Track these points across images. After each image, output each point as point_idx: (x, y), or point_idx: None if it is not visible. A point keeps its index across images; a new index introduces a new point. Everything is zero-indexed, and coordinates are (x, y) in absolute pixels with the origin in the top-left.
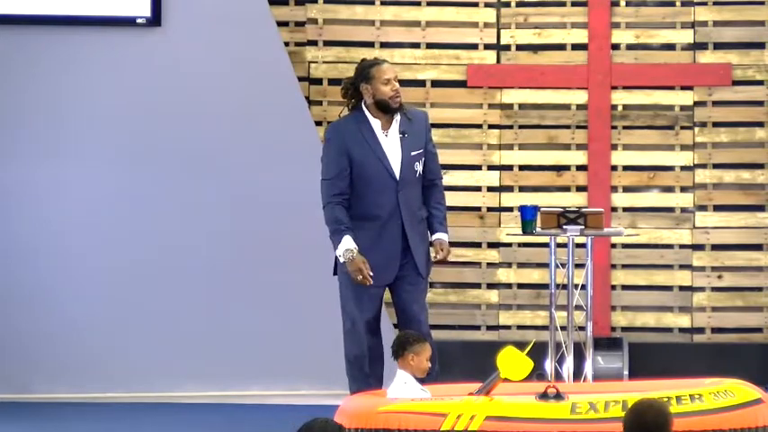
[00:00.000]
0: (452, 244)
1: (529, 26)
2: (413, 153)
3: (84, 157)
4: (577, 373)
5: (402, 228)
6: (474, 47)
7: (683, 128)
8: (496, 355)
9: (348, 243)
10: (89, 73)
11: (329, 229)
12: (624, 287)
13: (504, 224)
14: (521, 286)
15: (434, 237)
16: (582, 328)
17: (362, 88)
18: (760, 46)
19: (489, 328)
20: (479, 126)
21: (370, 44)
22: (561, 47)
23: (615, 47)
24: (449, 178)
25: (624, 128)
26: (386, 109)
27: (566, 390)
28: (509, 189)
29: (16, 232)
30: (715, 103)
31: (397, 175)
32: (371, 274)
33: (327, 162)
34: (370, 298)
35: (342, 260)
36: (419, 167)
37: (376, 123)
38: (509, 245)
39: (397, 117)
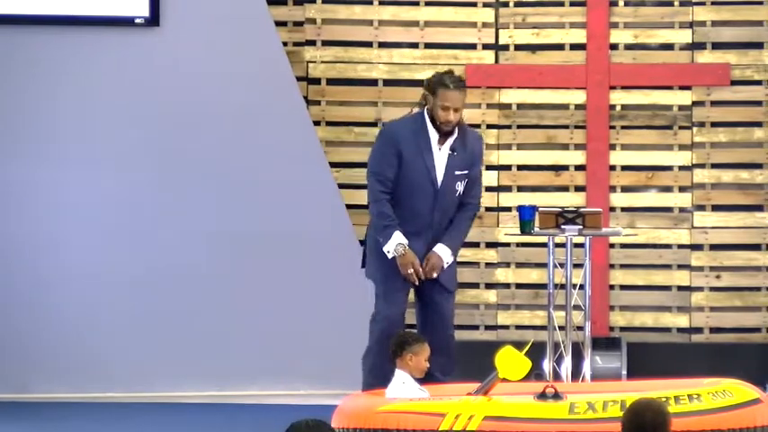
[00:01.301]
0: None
1: (527, 26)
2: (456, 172)
3: (83, 156)
4: (576, 373)
5: (431, 238)
6: (472, 47)
7: (681, 128)
8: (495, 355)
9: (399, 238)
10: (88, 73)
11: (377, 223)
12: (622, 287)
13: (503, 224)
14: (519, 286)
15: (435, 247)
16: (580, 328)
17: (427, 97)
18: (758, 46)
19: (488, 327)
20: (478, 126)
21: (369, 44)
22: (560, 47)
23: (614, 47)
24: None
25: (623, 128)
26: (437, 128)
27: (564, 390)
28: (507, 189)
29: (16, 232)
30: (713, 103)
31: (439, 186)
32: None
33: (379, 158)
34: (396, 294)
35: (392, 255)
36: (460, 187)
37: (434, 134)
38: (507, 245)
39: (454, 135)
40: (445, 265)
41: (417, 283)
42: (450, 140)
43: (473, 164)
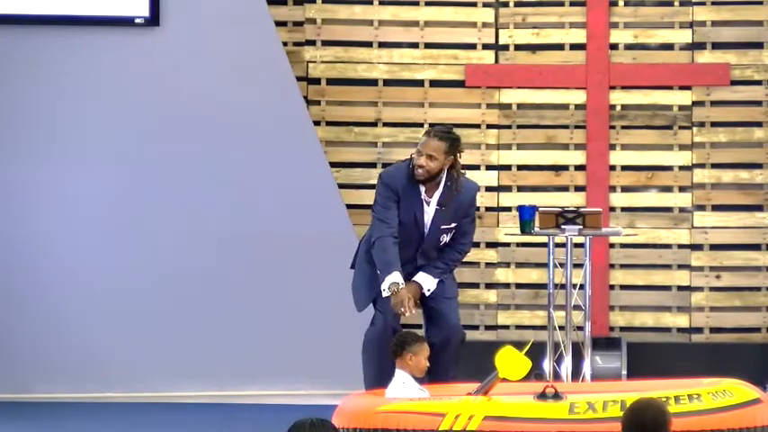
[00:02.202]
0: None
1: (527, 26)
2: (443, 226)
3: (83, 156)
4: (576, 373)
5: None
6: (472, 47)
7: (681, 128)
8: (495, 355)
9: (396, 278)
10: (88, 73)
11: (380, 260)
12: (622, 287)
13: (503, 224)
14: (519, 286)
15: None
16: (580, 328)
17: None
18: (758, 46)
19: (488, 327)
20: (477, 126)
21: (369, 44)
22: (559, 47)
23: (613, 47)
24: None
25: (622, 128)
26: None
27: (564, 389)
28: (507, 189)
29: (15, 232)
30: (713, 103)
31: (425, 232)
32: (410, 308)
33: (382, 203)
34: (385, 303)
35: (386, 293)
36: (445, 239)
37: (421, 187)
38: (507, 245)
39: (441, 187)
40: (426, 292)
41: (408, 314)
42: (437, 194)
43: (464, 216)
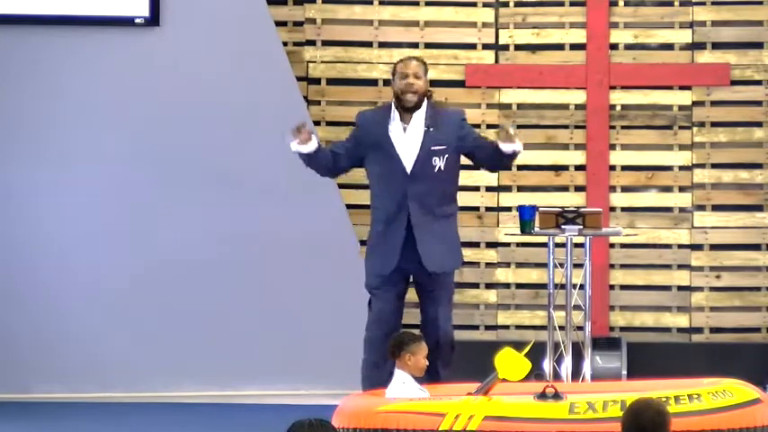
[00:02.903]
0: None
1: (527, 26)
2: (433, 147)
3: (83, 156)
4: (576, 373)
5: (408, 223)
6: (472, 47)
7: (681, 128)
8: (495, 356)
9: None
10: (88, 73)
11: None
12: (623, 287)
13: (503, 224)
14: (519, 286)
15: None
16: (580, 328)
17: (392, 83)
18: (758, 46)
19: (488, 327)
20: (478, 126)
21: (369, 44)
22: (560, 47)
23: (613, 47)
24: None
25: (622, 128)
26: (403, 104)
27: (564, 389)
28: (507, 189)
29: (15, 233)
30: (713, 103)
31: (409, 169)
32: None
33: (349, 136)
34: (383, 289)
35: (294, 139)
36: (439, 163)
37: (396, 117)
38: (507, 245)
39: (422, 112)
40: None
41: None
42: (420, 117)
43: (460, 136)
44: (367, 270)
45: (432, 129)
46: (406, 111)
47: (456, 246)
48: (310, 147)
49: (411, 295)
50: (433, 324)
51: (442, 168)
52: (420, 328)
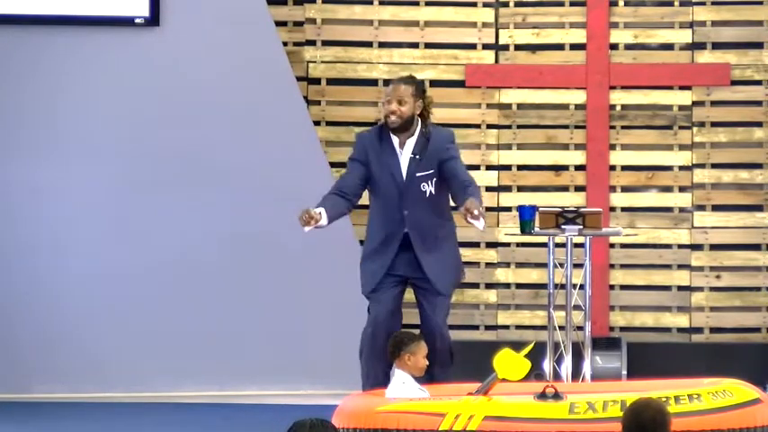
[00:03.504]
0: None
1: (527, 26)
2: (418, 174)
3: (82, 156)
4: (576, 373)
5: (403, 241)
6: (472, 47)
7: (681, 128)
8: (495, 356)
9: (319, 209)
10: (88, 73)
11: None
12: (623, 287)
13: (503, 224)
14: (519, 286)
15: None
16: (580, 328)
17: None
18: (758, 46)
19: (488, 327)
20: (478, 126)
21: (369, 44)
22: (560, 47)
23: (613, 47)
24: None
25: (622, 128)
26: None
27: (564, 389)
28: (507, 189)
29: (15, 232)
30: (713, 103)
31: (402, 194)
32: (311, 217)
33: (348, 165)
34: (381, 295)
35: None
36: (428, 188)
37: (394, 140)
38: (507, 245)
39: (415, 136)
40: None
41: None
42: (411, 143)
43: (441, 160)
44: (362, 276)
45: (418, 156)
46: (401, 134)
47: (457, 264)
48: (322, 222)
49: (411, 295)
50: (431, 329)
51: (434, 192)
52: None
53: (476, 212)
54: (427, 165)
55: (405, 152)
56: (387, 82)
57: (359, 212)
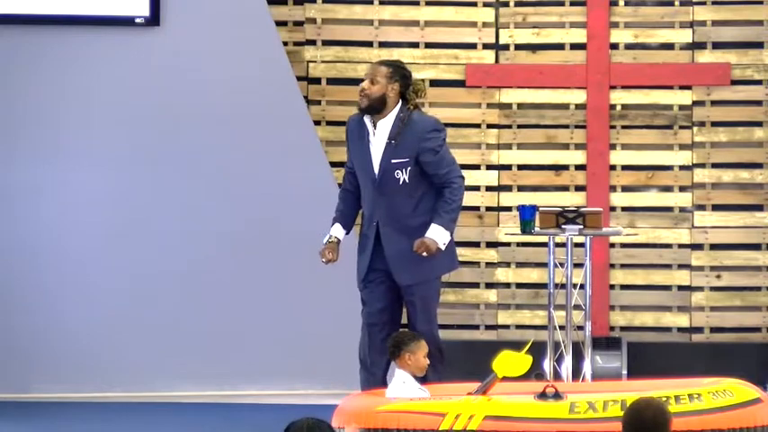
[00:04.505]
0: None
1: (527, 26)
2: (394, 161)
3: (82, 156)
4: (576, 373)
5: (376, 232)
6: (473, 46)
7: (681, 127)
8: (495, 356)
9: (334, 231)
10: (88, 72)
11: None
12: (623, 287)
13: (503, 224)
14: (519, 286)
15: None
16: (580, 328)
17: None
18: (758, 45)
19: (488, 327)
20: (478, 126)
21: (369, 44)
22: (560, 46)
23: (614, 46)
24: None
25: (623, 127)
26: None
27: (564, 389)
28: (508, 189)
29: (16, 232)
30: (714, 103)
31: (376, 180)
32: (330, 258)
33: (348, 153)
34: (369, 294)
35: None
36: (402, 176)
37: (369, 123)
38: (508, 244)
39: (388, 121)
40: (442, 246)
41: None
42: (385, 127)
43: (420, 150)
44: (358, 275)
45: (393, 141)
46: (374, 116)
47: (430, 259)
48: (341, 235)
49: None
50: (413, 328)
51: (407, 180)
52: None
53: (424, 254)
54: (403, 152)
55: (379, 136)
56: None
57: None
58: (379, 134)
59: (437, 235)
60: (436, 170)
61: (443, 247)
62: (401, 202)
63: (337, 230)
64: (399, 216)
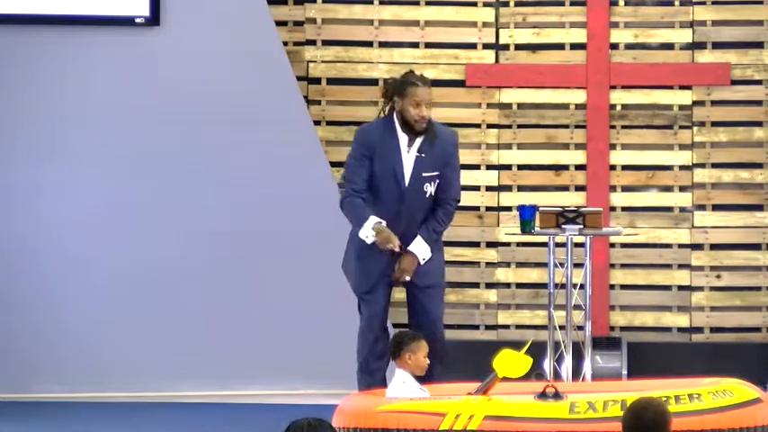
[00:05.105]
0: (451, 243)
1: (527, 26)
2: (424, 174)
3: (82, 156)
4: (576, 373)
5: (399, 238)
6: (473, 46)
7: (681, 127)
8: (495, 356)
9: (373, 221)
10: (88, 72)
11: (351, 219)
12: (623, 287)
13: (503, 224)
14: (519, 286)
15: (411, 244)
16: (581, 328)
17: (395, 100)
18: (758, 45)
19: (488, 327)
20: (478, 126)
21: (369, 44)
22: (560, 46)
23: (614, 46)
24: None
25: (623, 127)
26: (410, 129)
27: (564, 389)
28: (508, 188)
29: (16, 233)
30: (714, 103)
31: (404, 191)
32: (396, 244)
33: (353, 162)
34: (373, 293)
35: (371, 238)
36: (430, 188)
37: (403, 138)
38: (508, 244)
39: (422, 137)
40: (422, 261)
41: (398, 250)
42: (418, 142)
43: (445, 164)
44: (356, 275)
45: (424, 155)
46: (409, 133)
47: (442, 266)
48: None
49: (401, 294)
50: (433, 323)
51: (432, 193)
52: (409, 321)
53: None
54: (434, 165)
55: (412, 151)
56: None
57: None
58: (414, 148)
59: (420, 250)
60: (449, 183)
61: (422, 263)
62: (420, 213)
63: (377, 218)
64: (416, 225)
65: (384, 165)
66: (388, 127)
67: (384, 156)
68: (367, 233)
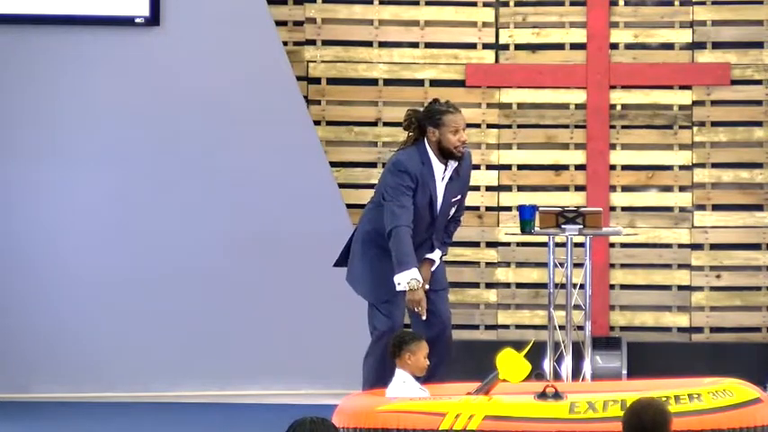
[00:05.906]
0: (451, 243)
1: (527, 26)
2: (453, 200)
3: (82, 156)
4: (576, 373)
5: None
6: (472, 46)
7: (681, 127)
8: (495, 356)
9: (416, 274)
10: (88, 72)
11: (398, 250)
12: (623, 287)
13: (503, 224)
14: (519, 286)
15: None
16: (580, 328)
17: (429, 131)
18: (758, 45)
19: (488, 327)
20: (478, 125)
21: (369, 44)
22: (560, 46)
23: (614, 46)
24: None
25: (623, 127)
26: (449, 156)
27: (564, 389)
28: (507, 188)
29: (15, 233)
30: (713, 103)
31: (437, 216)
32: (425, 309)
33: (403, 191)
34: (396, 301)
35: (405, 287)
36: (452, 210)
37: (438, 168)
38: (508, 244)
39: (452, 162)
40: (433, 267)
41: (424, 317)
42: (450, 170)
43: (465, 185)
44: (370, 284)
45: (453, 181)
46: (444, 160)
47: (445, 270)
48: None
49: None
50: (444, 323)
51: (451, 215)
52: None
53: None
54: (459, 189)
55: (445, 179)
56: (387, 81)
57: (359, 212)
58: (445, 175)
59: (434, 264)
60: (463, 201)
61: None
62: (439, 233)
63: (419, 275)
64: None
65: (423, 196)
66: (424, 158)
67: (424, 187)
68: (402, 281)
